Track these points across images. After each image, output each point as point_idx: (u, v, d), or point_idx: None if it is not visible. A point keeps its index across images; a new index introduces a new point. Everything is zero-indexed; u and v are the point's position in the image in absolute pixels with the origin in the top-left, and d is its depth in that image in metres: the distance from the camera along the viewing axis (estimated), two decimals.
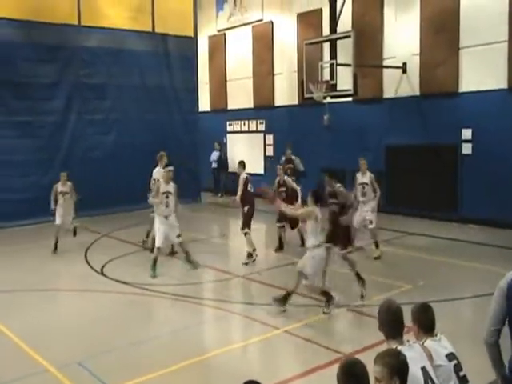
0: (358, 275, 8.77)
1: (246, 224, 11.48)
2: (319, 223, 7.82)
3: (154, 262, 10.29)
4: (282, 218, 11.55)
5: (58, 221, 12.40)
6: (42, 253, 12.24)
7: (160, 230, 10.44)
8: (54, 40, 16.30)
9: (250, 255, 11.25)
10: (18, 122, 15.73)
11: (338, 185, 9.21)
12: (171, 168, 10.74)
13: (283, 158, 13.91)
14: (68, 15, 16.64)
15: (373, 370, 3.13)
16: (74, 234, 13.04)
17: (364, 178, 11.65)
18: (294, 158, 13.78)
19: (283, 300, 8.12)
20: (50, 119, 16.45)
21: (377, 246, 11.42)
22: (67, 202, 12.48)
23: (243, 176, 11.65)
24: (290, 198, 11.63)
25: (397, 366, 3.12)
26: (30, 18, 15.71)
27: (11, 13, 15.47)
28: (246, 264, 11.02)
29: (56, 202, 12.40)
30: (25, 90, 15.75)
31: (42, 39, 16.05)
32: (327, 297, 7.98)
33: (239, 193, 11.49)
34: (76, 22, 16.85)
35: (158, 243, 10.40)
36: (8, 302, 9.03)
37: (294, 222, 11.67)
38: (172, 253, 12.20)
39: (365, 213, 11.45)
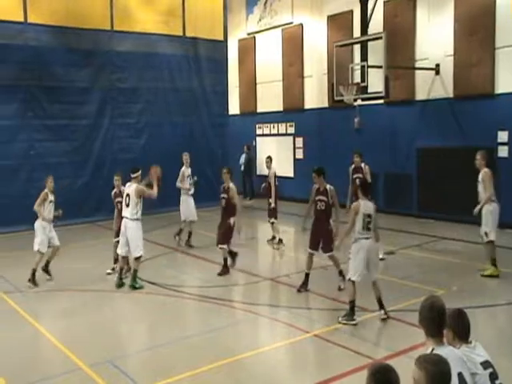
0: (340, 273, 9.17)
1: (273, 215, 13.05)
2: (361, 216, 7.76)
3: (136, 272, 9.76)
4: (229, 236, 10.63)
5: (43, 248, 10.17)
6: (72, 254, 12.41)
7: (142, 238, 9.88)
8: (88, 45, 16.63)
9: (280, 241, 12.95)
10: (53, 125, 16.10)
11: (329, 185, 9.14)
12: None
13: (352, 166, 12.12)
14: (101, 21, 16.94)
15: (412, 369, 3.07)
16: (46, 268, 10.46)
17: (479, 174, 10.03)
18: (363, 166, 11.89)
19: (351, 313, 7.77)
20: (83, 123, 16.77)
21: (493, 263, 9.84)
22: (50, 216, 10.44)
23: (274, 171, 12.87)
24: (230, 210, 10.49)
25: (431, 374, 3.02)
26: (65, 24, 16.09)
27: (47, 19, 15.85)
28: (278, 249, 12.66)
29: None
30: (60, 94, 16.11)
31: (77, 44, 16.38)
32: (352, 308, 7.77)
33: (273, 188, 12.66)
34: (109, 27, 17.13)
35: (142, 252, 9.80)
36: (42, 302, 9.20)
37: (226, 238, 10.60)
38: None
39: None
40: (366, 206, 7.83)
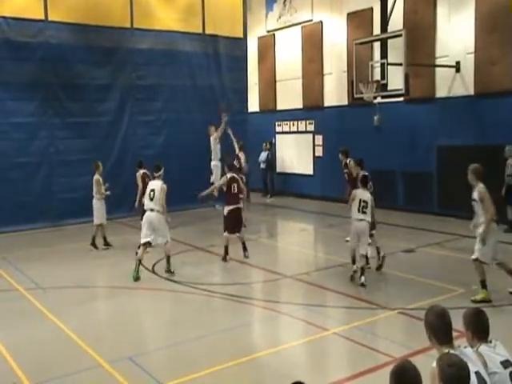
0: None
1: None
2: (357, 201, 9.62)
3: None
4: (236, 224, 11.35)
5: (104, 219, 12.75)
6: (95, 251, 12.56)
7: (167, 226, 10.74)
8: (108, 43, 16.72)
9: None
10: (74, 122, 16.21)
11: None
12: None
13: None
14: (121, 18, 17.03)
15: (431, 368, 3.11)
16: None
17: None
18: (348, 162, 13.03)
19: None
20: (103, 120, 16.88)
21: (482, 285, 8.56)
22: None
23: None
24: None
25: (447, 375, 3.04)
26: (85, 21, 16.17)
27: (67, 17, 15.96)
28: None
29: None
30: (80, 91, 16.23)
31: (97, 42, 16.47)
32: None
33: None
34: (129, 25, 17.24)
35: (169, 237, 10.60)
36: (63, 298, 9.31)
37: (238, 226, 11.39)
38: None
39: None
40: (362, 194, 9.68)
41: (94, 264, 11.50)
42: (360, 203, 9.55)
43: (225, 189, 11.35)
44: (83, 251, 12.51)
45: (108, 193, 12.71)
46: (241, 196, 11.61)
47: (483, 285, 8.40)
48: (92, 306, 8.94)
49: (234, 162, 14.12)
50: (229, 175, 11.32)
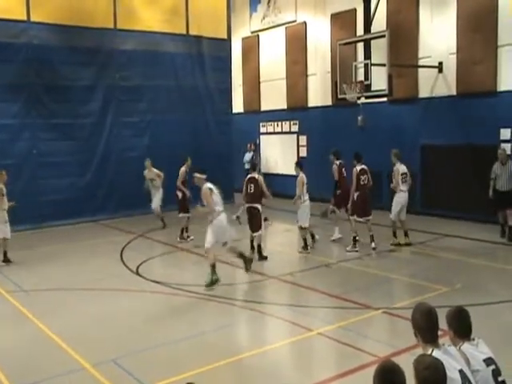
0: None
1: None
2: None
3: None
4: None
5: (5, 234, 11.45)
6: (78, 253, 12.47)
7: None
8: (91, 43, 16.60)
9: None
10: (57, 124, 16.06)
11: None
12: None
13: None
14: (104, 19, 16.93)
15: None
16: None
17: None
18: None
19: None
20: (87, 121, 16.76)
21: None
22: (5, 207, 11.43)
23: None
24: None
25: (422, 378, 3.06)
26: (68, 22, 16.04)
27: (50, 17, 15.82)
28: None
29: None
30: (63, 93, 16.08)
31: (80, 43, 16.34)
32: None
33: None
34: (112, 26, 17.14)
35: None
36: (46, 301, 9.23)
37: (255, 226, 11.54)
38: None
39: None
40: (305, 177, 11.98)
41: (77, 266, 11.40)
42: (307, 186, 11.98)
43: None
44: (66, 253, 12.41)
45: (11, 204, 11.46)
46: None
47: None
48: (75, 308, 8.86)
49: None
50: (248, 176, 11.98)
